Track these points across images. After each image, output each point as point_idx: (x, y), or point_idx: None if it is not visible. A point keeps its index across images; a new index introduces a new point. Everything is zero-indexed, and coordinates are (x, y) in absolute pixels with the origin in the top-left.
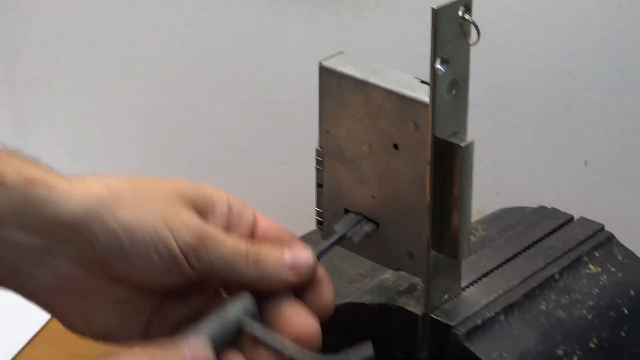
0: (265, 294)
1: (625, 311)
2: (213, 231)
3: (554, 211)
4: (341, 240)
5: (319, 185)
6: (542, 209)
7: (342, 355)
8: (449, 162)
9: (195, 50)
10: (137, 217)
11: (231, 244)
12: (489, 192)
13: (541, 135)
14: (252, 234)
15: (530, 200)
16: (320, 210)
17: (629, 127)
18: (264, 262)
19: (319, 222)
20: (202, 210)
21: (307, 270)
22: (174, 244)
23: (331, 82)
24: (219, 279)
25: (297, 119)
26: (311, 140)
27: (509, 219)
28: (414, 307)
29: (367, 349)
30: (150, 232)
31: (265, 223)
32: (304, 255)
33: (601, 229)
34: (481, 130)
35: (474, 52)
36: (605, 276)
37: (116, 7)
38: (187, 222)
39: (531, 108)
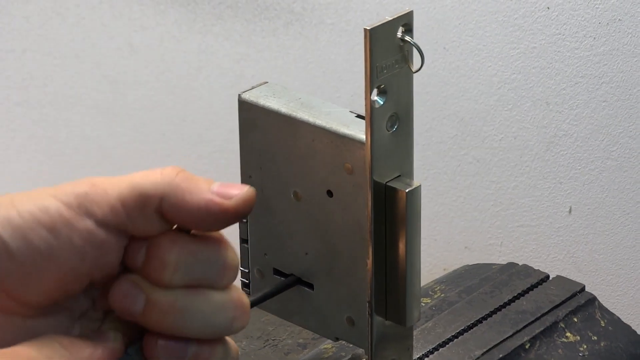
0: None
1: None
2: (109, 177)
3: (525, 268)
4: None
5: (243, 240)
6: (511, 265)
7: None
8: (392, 210)
9: (102, 75)
10: (12, 205)
11: (138, 173)
12: (455, 245)
13: (517, 178)
14: None
15: (505, 255)
16: (246, 270)
17: (619, 168)
18: (185, 176)
19: (244, 285)
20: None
21: (241, 195)
22: (57, 204)
23: (253, 117)
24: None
25: (226, 158)
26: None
27: (472, 278)
28: None
29: None
30: (31, 209)
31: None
32: (238, 185)
33: (581, 289)
34: (445, 173)
35: (430, 79)
36: (585, 345)
37: (21, 25)
38: (74, 182)
39: (504, 146)
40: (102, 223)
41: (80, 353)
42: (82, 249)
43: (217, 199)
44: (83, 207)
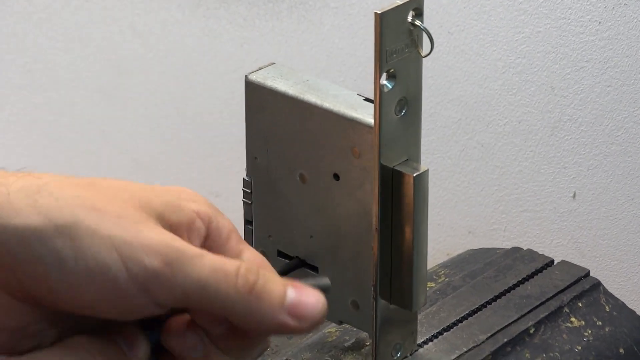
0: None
1: None
2: (187, 247)
3: (530, 253)
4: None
5: (248, 222)
6: (515, 250)
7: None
8: (399, 195)
9: (105, 58)
10: (71, 242)
11: (212, 261)
12: (459, 230)
13: (521, 163)
14: None
15: (509, 240)
16: None
17: (624, 153)
18: (259, 291)
19: None
20: (171, 224)
21: (313, 318)
22: (121, 275)
23: (259, 99)
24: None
25: (229, 142)
26: (244, 168)
27: (476, 263)
28: None
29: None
30: (88, 260)
31: (253, 258)
32: (312, 298)
33: (586, 274)
34: (449, 157)
35: (434, 63)
36: (589, 331)
37: (25, 8)
38: (148, 242)
39: (508, 131)
40: (158, 304)
41: None
42: (128, 314)
43: (291, 323)
44: (146, 289)
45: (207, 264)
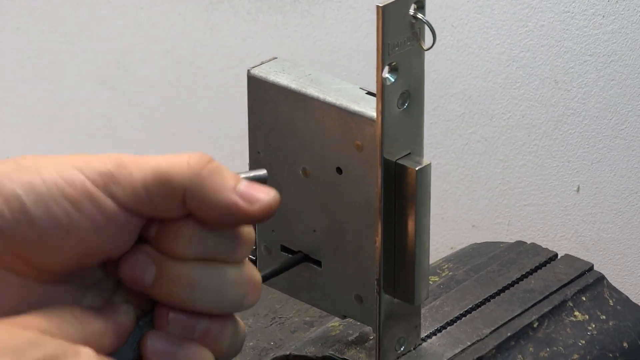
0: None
1: None
2: (136, 156)
3: (534, 247)
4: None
5: None
6: (519, 244)
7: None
8: (401, 188)
9: (108, 52)
10: (38, 173)
11: (164, 157)
12: (463, 224)
13: (525, 157)
14: None
15: (512, 234)
16: (253, 247)
17: (628, 146)
18: (211, 170)
19: (251, 261)
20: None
21: (264, 201)
22: (82, 178)
23: (262, 93)
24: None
25: (232, 136)
26: (247, 162)
27: (480, 257)
28: None
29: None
30: (55, 180)
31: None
32: (264, 187)
33: (590, 268)
34: (453, 151)
35: (438, 56)
36: (593, 325)
37: (28, 2)
38: (100, 157)
39: (512, 124)
40: (124, 205)
41: (91, 325)
42: (102, 226)
43: (241, 203)
44: (107, 187)
45: (159, 157)
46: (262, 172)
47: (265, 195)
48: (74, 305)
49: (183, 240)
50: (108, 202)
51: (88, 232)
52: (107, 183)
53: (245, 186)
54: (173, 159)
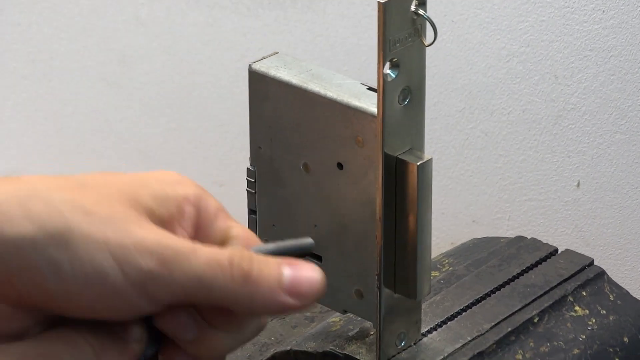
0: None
1: None
2: (180, 243)
3: (534, 242)
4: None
5: (252, 211)
6: (519, 239)
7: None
8: (402, 184)
9: (109, 48)
10: (66, 250)
11: (206, 255)
12: (463, 219)
13: (525, 152)
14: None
15: (513, 229)
16: None
17: (628, 141)
18: (255, 277)
19: None
20: (162, 218)
21: (312, 294)
22: (118, 279)
23: (263, 88)
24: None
25: (233, 132)
26: (248, 157)
27: (480, 252)
28: (365, 356)
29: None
30: (85, 266)
31: (242, 234)
32: (309, 273)
33: (590, 263)
34: (453, 147)
35: (438, 52)
36: (593, 320)
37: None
38: (141, 243)
39: (512, 120)
40: (156, 303)
41: (106, 354)
42: (125, 315)
43: (292, 302)
44: (144, 290)
45: (201, 258)
46: (308, 241)
47: (313, 284)
48: (87, 332)
49: (225, 318)
50: (140, 302)
51: (106, 312)
52: (145, 285)
53: (290, 281)
54: (214, 259)
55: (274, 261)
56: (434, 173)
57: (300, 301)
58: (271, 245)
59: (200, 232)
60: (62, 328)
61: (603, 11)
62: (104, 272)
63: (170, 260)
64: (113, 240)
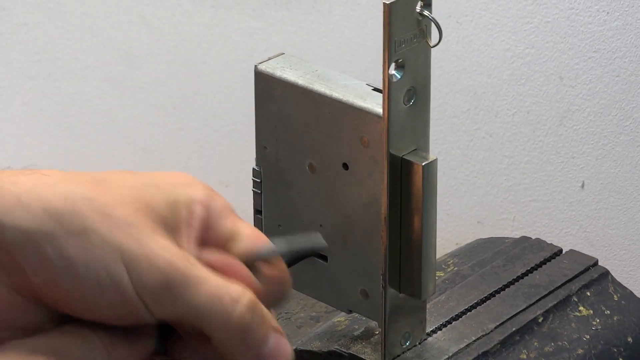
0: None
1: None
2: (190, 270)
3: (539, 242)
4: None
5: (257, 211)
6: (524, 239)
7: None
8: (407, 184)
9: (114, 48)
10: (83, 249)
11: (210, 290)
12: (468, 220)
13: (529, 153)
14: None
15: (517, 230)
16: None
17: (632, 142)
18: (247, 332)
19: None
20: (173, 223)
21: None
22: (129, 288)
23: (268, 89)
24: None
25: (238, 132)
26: (253, 157)
27: (485, 252)
28: (370, 356)
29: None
30: (100, 272)
31: (249, 232)
32: (287, 348)
33: (594, 263)
34: (458, 147)
35: (443, 53)
36: (597, 320)
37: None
38: (153, 258)
39: (517, 121)
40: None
41: (117, 351)
42: (130, 323)
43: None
44: (145, 303)
45: (206, 291)
46: (318, 241)
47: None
48: (99, 328)
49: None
50: (145, 315)
51: (113, 317)
52: (158, 300)
53: (271, 350)
54: (219, 301)
55: (269, 319)
56: (439, 174)
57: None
58: (282, 246)
59: (209, 231)
60: (75, 324)
61: (608, 13)
62: (114, 276)
63: (176, 285)
64: (127, 247)
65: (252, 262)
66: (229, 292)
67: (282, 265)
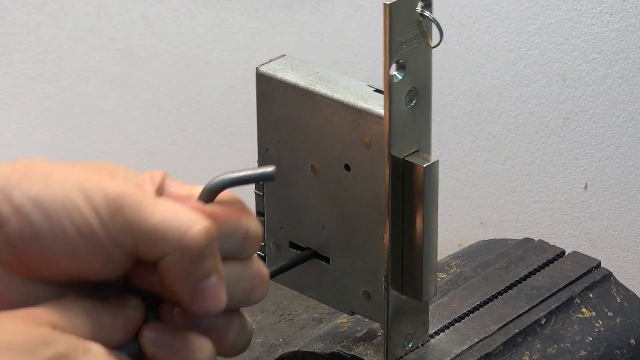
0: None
1: None
2: (142, 196)
3: (541, 244)
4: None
5: (260, 213)
6: (527, 241)
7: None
8: (409, 185)
9: (116, 48)
10: (47, 187)
11: (163, 213)
12: (471, 221)
13: (532, 155)
14: None
15: (520, 231)
16: (262, 243)
17: (636, 144)
18: (198, 260)
19: (260, 257)
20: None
21: (210, 310)
22: (91, 216)
23: (270, 91)
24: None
25: (240, 133)
26: (255, 159)
27: (487, 253)
28: (372, 357)
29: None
30: (63, 200)
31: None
32: (222, 297)
33: (597, 265)
34: (461, 149)
35: (446, 54)
36: (600, 321)
37: (31, 0)
38: (106, 184)
39: (520, 122)
40: (121, 248)
41: (101, 319)
42: (103, 257)
43: (193, 306)
44: (117, 233)
45: (160, 213)
46: (269, 170)
47: (216, 304)
48: (84, 298)
49: None
50: (115, 252)
51: (89, 257)
52: (111, 224)
53: (210, 286)
54: (178, 221)
55: (217, 263)
56: (441, 175)
57: (198, 307)
58: (234, 175)
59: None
60: (58, 297)
61: (611, 14)
62: (78, 205)
63: (130, 208)
64: (84, 181)
65: (205, 200)
66: (187, 214)
67: (242, 204)
